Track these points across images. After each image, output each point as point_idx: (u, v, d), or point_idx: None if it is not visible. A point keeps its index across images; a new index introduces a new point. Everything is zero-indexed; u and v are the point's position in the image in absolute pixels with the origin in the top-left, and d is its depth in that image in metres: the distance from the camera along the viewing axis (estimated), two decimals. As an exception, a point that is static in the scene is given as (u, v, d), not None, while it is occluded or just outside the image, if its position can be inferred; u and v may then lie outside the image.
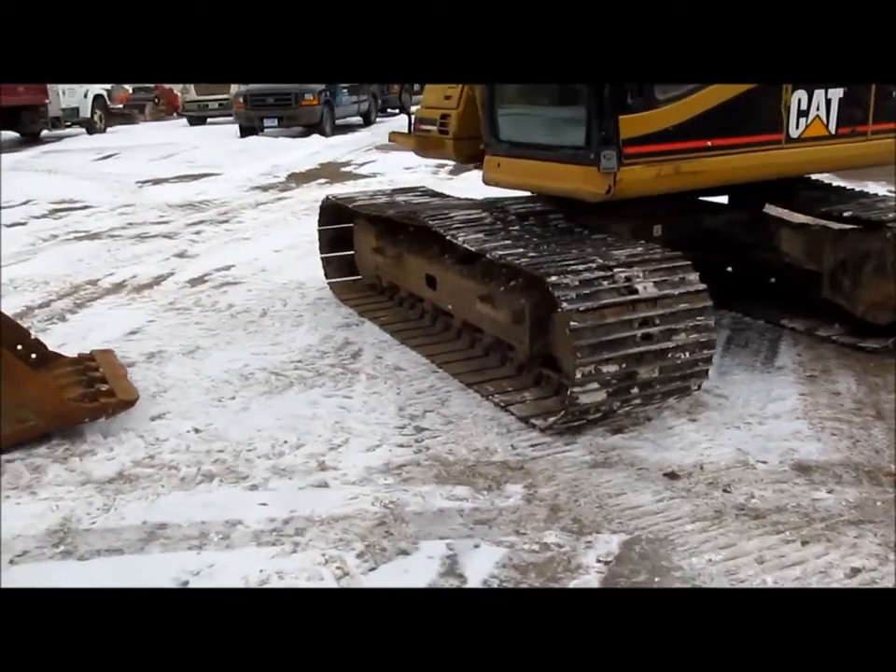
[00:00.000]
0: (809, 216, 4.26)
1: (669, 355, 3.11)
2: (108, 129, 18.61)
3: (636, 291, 3.08)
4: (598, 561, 2.43)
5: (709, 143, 3.39)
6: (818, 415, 3.36)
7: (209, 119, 20.24)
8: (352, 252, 5.45)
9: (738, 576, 2.33)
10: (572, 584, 2.33)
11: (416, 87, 13.93)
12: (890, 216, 3.89)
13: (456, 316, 4.24)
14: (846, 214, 4.03)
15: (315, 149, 13.98)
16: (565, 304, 2.98)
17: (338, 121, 17.00)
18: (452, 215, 3.99)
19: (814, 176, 4.57)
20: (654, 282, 3.13)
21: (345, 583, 2.38)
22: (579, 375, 2.98)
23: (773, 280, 4.69)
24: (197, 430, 3.41)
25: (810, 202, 4.32)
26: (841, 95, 3.63)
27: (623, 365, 3.04)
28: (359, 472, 3.02)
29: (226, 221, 8.13)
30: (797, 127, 3.58)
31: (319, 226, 5.51)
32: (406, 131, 5.20)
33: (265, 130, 15.82)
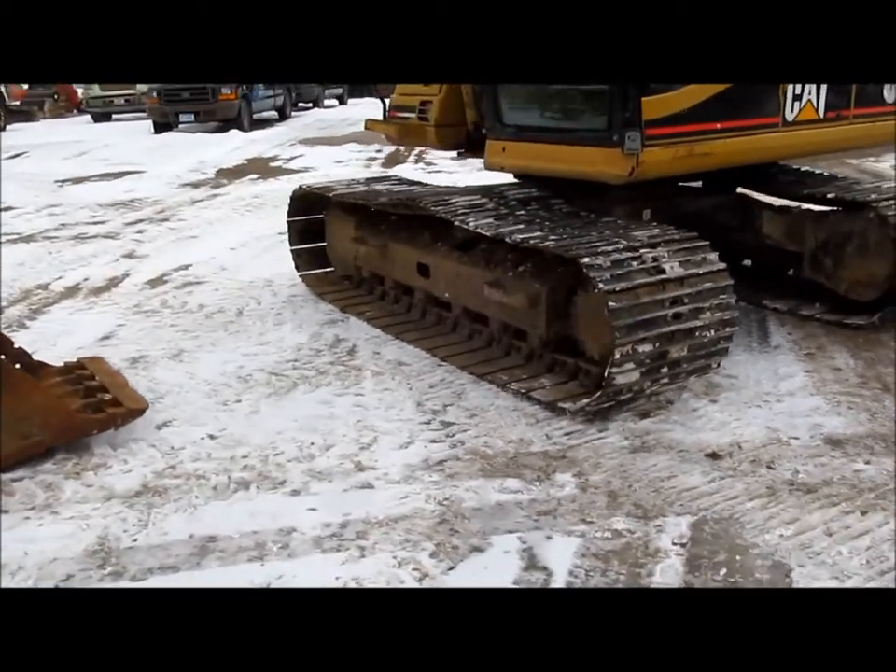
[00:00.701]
0: (790, 199, 4.40)
1: (697, 333, 3.15)
2: (7, 127, 17.60)
3: (664, 271, 3.11)
4: (675, 544, 2.43)
5: (718, 125, 3.45)
6: (829, 391, 3.47)
7: (114, 116, 19.40)
8: (323, 244, 5.32)
9: (813, 548, 2.38)
10: (658, 568, 2.33)
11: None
12: (872, 196, 4.06)
13: (454, 305, 4.18)
14: (829, 195, 4.18)
15: (236, 145, 13.59)
16: (601, 285, 2.97)
17: (254, 116, 16.59)
18: (454, 201, 3.93)
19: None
20: (679, 262, 3.16)
21: (427, 584, 2.32)
22: (617, 356, 2.99)
23: (748, 262, 4.82)
24: (212, 436, 3.26)
25: (789, 185, 4.47)
26: (830, 79, 3.75)
27: (657, 344, 3.07)
28: (401, 470, 2.94)
29: (166, 220, 7.81)
30: (792, 111, 3.68)
31: (289, 217, 5.34)
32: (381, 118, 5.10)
33: (180, 125, 15.28)
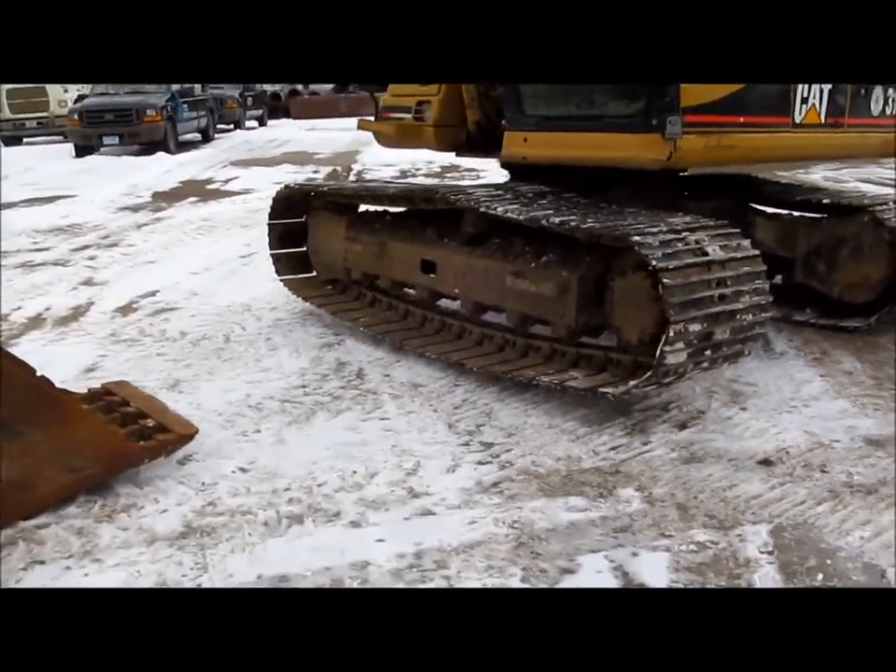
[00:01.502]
0: (783, 207, 4.51)
1: (738, 315, 3.16)
2: None
3: (707, 253, 3.12)
4: (762, 552, 2.42)
5: (742, 119, 3.51)
6: (849, 394, 3.56)
7: (25, 140, 18.58)
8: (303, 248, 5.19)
9: (896, 549, 2.41)
10: (756, 578, 2.31)
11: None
12: (866, 201, 4.21)
13: (464, 301, 4.10)
14: (825, 201, 4.32)
15: (166, 168, 13.20)
16: (654, 262, 2.96)
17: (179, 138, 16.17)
18: (472, 192, 3.86)
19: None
20: (720, 245, 3.18)
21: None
22: (671, 333, 2.97)
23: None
24: (243, 469, 3.09)
25: (780, 193, 4.59)
26: (829, 87, 3.87)
27: (705, 324, 3.06)
28: (458, 495, 2.84)
29: (115, 245, 7.48)
30: (800, 113, 3.78)
31: (271, 220, 5.17)
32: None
33: (103, 149, 14.73)
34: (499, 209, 3.53)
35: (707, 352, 3.18)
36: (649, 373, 3.14)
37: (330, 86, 41.53)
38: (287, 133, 22.24)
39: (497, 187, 4.01)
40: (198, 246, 7.33)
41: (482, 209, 3.62)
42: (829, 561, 2.37)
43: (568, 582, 2.34)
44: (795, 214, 4.48)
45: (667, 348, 3.00)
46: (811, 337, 4.30)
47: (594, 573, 2.36)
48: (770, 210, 4.56)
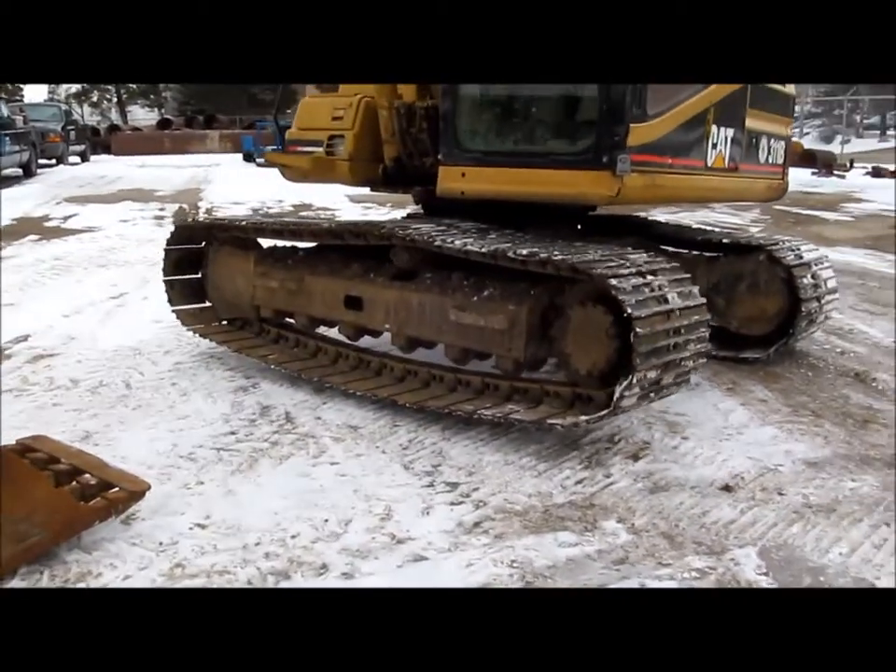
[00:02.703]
0: (683, 246, 4.79)
1: (682, 363, 3.30)
2: None
3: (667, 301, 3.23)
4: (759, 574, 2.51)
5: (670, 160, 3.70)
6: (773, 420, 3.80)
7: None
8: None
9: (874, 561, 2.58)
10: (764, 601, 2.38)
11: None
12: (762, 241, 4.56)
13: (397, 336, 4.02)
14: (724, 241, 4.63)
15: (-8, 203, 12.11)
16: (630, 310, 3.03)
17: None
18: (417, 227, 3.81)
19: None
20: (677, 293, 3.31)
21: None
22: (634, 380, 3.05)
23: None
24: (201, 525, 2.84)
25: (676, 233, 4.88)
26: (731, 134, 4.17)
27: (658, 372, 3.17)
28: (443, 538, 2.75)
29: (-42, 286, 6.74)
30: (711, 157, 4.05)
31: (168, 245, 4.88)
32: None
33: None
34: (456, 243, 3.50)
35: (652, 395, 3.32)
36: (604, 412, 3.22)
37: (154, 121, 40.25)
38: (115, 169, 21.15)
39: (437, 223, 3.98)
40: (58, 287, 6.76)
41: (437, 242, 3.57)
42: (822, 578, 2.49)
43: (591, 619, 2.31)
44: (694, 252, 4.78)
45: (627, 393, 3.10)
46: (717, 368, 4.56)
47: (612, 608, 2.35)
48: (671, 249, 4.83)
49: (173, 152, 29.70)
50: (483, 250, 3.40)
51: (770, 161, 4.76)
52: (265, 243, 4.84)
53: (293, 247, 4.69)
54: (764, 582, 2.47)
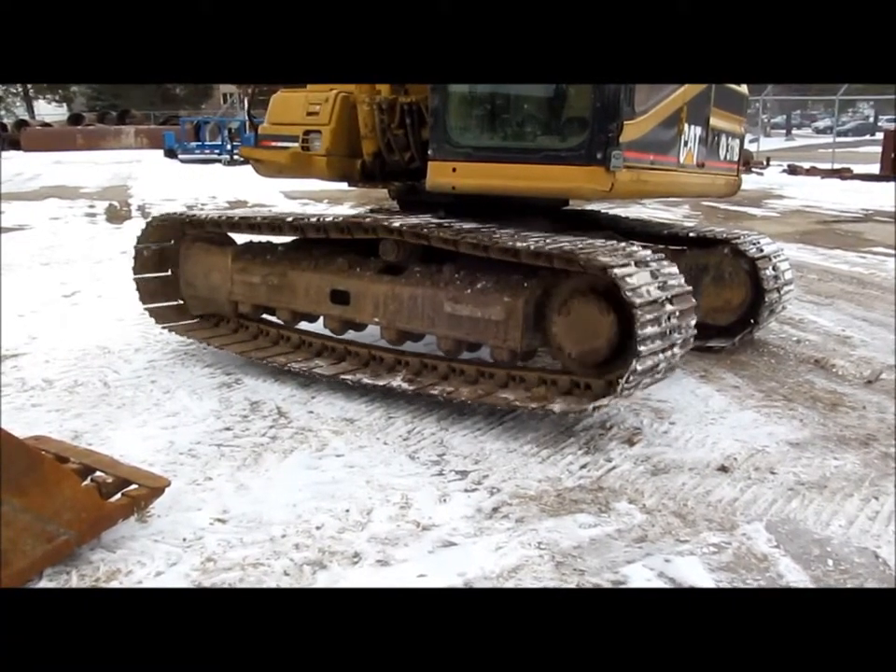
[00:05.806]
0: (650, 240, 4.95)
1: (675, 349, 3.44)
2: None
3: (664, 289, 3.36)
4: (771, 547, 2.66)
5: (651, 157, 3.84)
6: (750, 405, 4.00)
7: None
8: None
9: (872, 532, 2.77)
10: (781, 568, 2.53)
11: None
12: (726, 235, 4.77)
13: (387, 330, 4.07)
14: (690, 235, 4.82)
15: None
16: (634, 298, 3.16)
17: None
18: (407, 221, 3.86)
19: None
20: (672, 282, 3.45)
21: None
22: (638, 368, 3.18)
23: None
24: (221, 520, 2.83)
25: (642, 227, 5.05)
26: (698, 132, 4.35)
27: (656, 357, 3.31)
28: (467, 523, 2.82)
29: None
30: (682, 155, 4.21)
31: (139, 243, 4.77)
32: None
33: None
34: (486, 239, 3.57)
35: (647, 380, 3.45)
36: (609, 398, 3.34)
37: (62, 117, 38.69)
38: (31, 166, 20.38)
39: (436, 220, 4.04)
40: (5, 287, 6.50)
41: (435, 234, 3.63)
42: (829, 549, 2.66)
43: (627, 594, 2.42)
44: (660, 246, 4.95)
45: (632, 378, 3.22)
46: (686, 357, 4.72)
47: (644, 581, 2.46)
48: (638, 243, 5.00)
49: (86, 148, 28.73)
50: (488, 242, 3.49)
51: (727, 158, 4.98)
52: (240, 239, 4.81)
53: (270, 242, 4.67)
54: (778, 554, 2.62)
